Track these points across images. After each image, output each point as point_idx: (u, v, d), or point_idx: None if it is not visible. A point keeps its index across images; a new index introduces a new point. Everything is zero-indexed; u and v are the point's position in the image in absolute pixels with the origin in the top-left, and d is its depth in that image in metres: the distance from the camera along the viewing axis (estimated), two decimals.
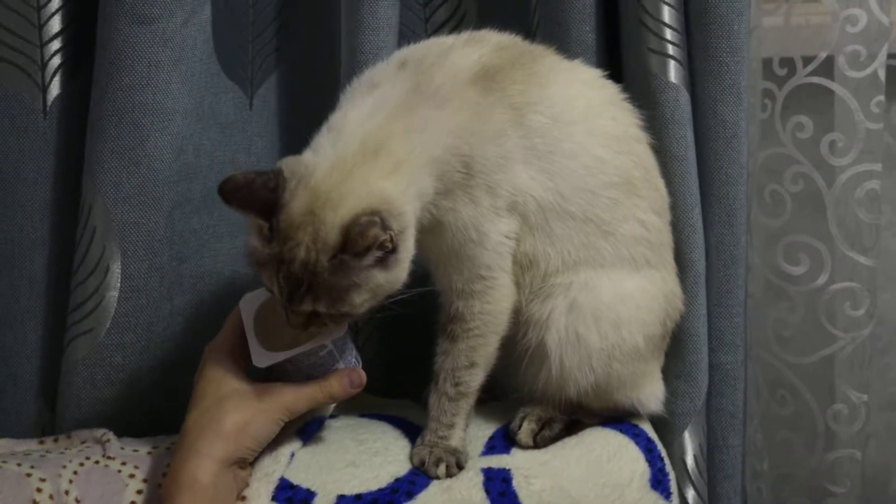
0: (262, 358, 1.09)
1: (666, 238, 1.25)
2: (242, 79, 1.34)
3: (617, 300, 1.19)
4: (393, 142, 1.07)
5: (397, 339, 1.36)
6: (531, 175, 1.14)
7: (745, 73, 1.29)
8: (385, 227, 1.03)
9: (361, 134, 1.07)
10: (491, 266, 1.15)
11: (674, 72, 1.28)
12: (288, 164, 1.07)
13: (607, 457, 1.22)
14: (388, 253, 1.04)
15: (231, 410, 1.07)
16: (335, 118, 1.10)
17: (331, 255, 1.03)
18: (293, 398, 1.10)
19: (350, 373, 1.12)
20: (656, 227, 1.23)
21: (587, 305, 1.18)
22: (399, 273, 1.07)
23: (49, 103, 1.26)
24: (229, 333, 1.13)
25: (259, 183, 1.04)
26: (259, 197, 1.04)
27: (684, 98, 1.28)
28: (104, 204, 1.21)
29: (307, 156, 1.08)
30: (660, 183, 1.24)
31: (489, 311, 1.17)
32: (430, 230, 1.12)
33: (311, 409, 1.15)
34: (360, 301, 1.06)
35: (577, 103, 1.17)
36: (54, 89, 1.27)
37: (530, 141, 1.13)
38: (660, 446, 1.26)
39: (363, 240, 1.02)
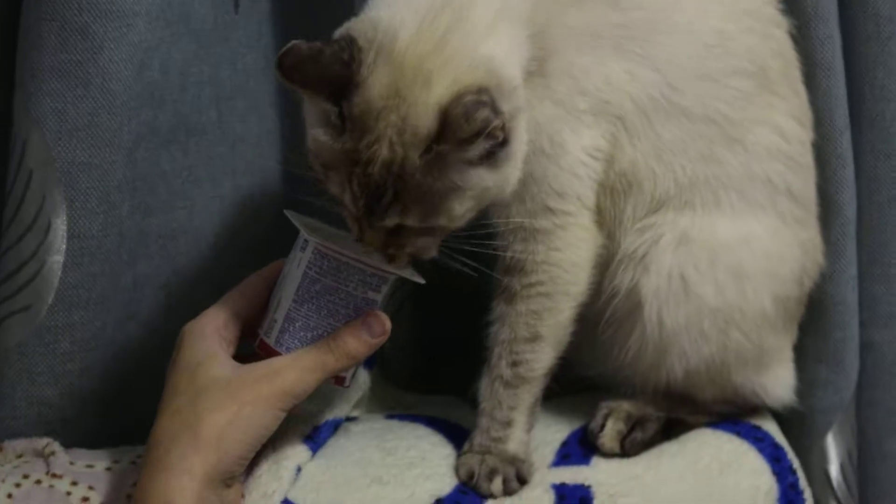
0: (313, 237, 1.07)
1: (809, 160, 1.21)
2: None
3: (740, 241, 1.15)
4: None
5: (437, 316, 1.35)
6: (626, 68, 1.10)
7: None
8: (496, 109, 0.99)
9: None
10: (565, 194, 1.11)
11: None
12: (360, 28, 1.04)
13: (720, 468, 1.19)
14: (498, 145, 1.01)
15: (210, 409, 1.03)
16: None
17: (423, 149, 1.00)
18: (295, 375, 1.05)
19: (366, 318, 1.07)
20: (799, 140, 1.18)
21: (702, 242, 1.14)
22: (509, 173, 1.04)
23: None
24: (221, 307, 1.10)
25: (328, 55, 1.02)
26: (329, 73, 1.02)
27: None
28: (43, 138, 1.18)
29: (383, 15, 1.05)
30: (802, 87, 1.20)
31: (557, 261, 1.13)
32: None
33: (321, 404, 1.16)
34: (462, 211, 1.04)
35: None
36: None
37: (625, 15, 1.10)
38: (791, 455, 1.22)
39: (469, 124, 0.98)
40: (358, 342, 1.07)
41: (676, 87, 1.12)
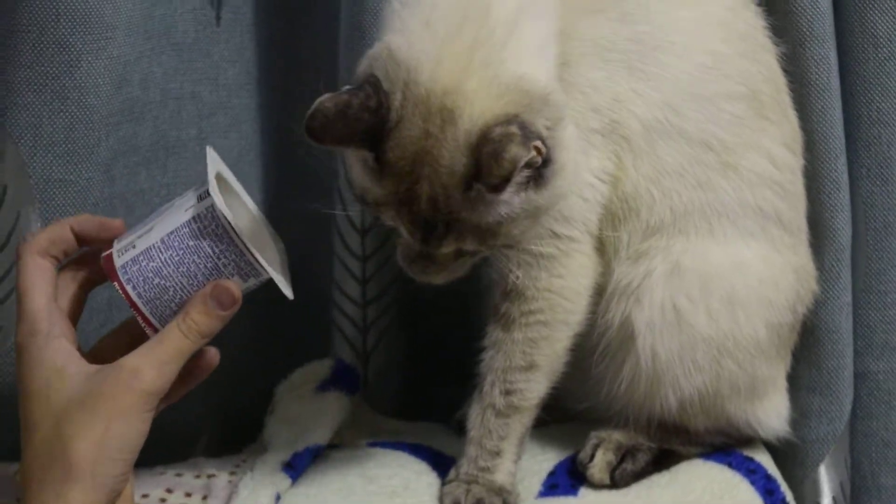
0: (218, 196, 1.01)
1: (799, 187, 1.21)
2: None
3: (733, 268, 1.15)
4: None
5: (422, 337, 1.35)
6: (633, 87, 1.10)
7: None
8: (528, 135, 0.98)
9: None
10: (571, 219, 1.11)
11: None
12: (380, 65, 1.03)
13: (711, 500, 1.18)
14: (540, 167, 1.00)
15: (76, 434, 0.97)
16: None
17: (463, 188, 1.01)
18: (154, 373, 0.98)
19: (214, 290, 1.01)
20: (789, 167, 1.18)
21: (694, 271, 1.14)
22: (561, 185, 1.03)
23: None
24: (43, 302, 1.01)
25: (356, 106, 1.01)
26: (360, 125, 1.02)
27: (825, 4, 1.25)
28: (18, 154, 1.19)
29: (398, 45, 1.03)
30: (792, 113, 1.20)
31: (559, 289, 1.13)
32: None
33: (300, 431, 1.17)
34: (519, 231, 1.04)
35: None
36: None
37: (632, 29, 1.10)
38: (784, 487, 1.22)
39: (499, 167, 0.98)
40: (209, 318, 1.01)
41: (676, 109, 1.12)
